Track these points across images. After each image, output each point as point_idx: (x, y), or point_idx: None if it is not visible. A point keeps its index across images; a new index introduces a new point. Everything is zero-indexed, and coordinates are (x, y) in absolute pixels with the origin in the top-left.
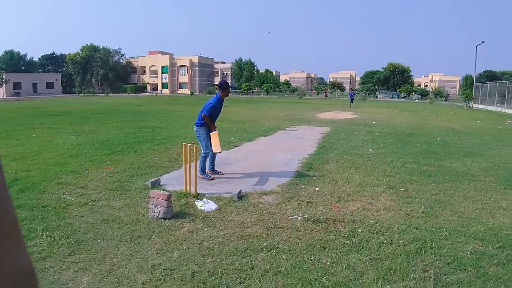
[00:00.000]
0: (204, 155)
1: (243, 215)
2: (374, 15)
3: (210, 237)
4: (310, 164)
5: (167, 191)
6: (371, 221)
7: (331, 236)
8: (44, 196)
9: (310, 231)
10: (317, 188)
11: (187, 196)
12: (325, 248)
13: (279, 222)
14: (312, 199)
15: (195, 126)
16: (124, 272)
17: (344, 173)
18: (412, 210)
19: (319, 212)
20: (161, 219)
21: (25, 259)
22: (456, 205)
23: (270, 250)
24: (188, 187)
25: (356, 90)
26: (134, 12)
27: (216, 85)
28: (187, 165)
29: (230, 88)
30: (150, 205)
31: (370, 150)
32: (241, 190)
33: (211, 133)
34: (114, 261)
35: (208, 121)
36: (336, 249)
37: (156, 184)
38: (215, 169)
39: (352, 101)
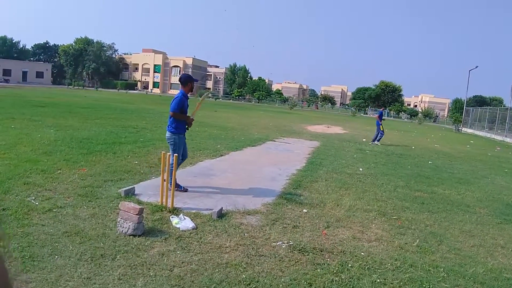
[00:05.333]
0: (172, 165)
1: (222, 237)
2: (369, 31)
3: (183, 262)
4: (298, 181)
5: (141, 202)
6: (362, 253)
7: (318, 270)
8: (7, 197)
9: (295, 262)
10: (304, 210)
11: (162, 210)
12: (311, 285)
13: (261, 248)
14: (299, 223)
15: (167, 132)
16: None
17: (333, 194)
18: (406, 243)
19: (306, 239)
20: (130, 235)
21: None
22: (453, 240)
23: (249, 284)
24: (164, 200)
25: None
26: (132, 8)
27: (208, 88)
28: (165, 176)
29: (194, 82)
30: (119, 219)
31: (361, 169)
32: (222, 208)
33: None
34: (69, 285)
35: (181, 116)
36: (324, 287)
37: (130, 194)
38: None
39: (380, 134)
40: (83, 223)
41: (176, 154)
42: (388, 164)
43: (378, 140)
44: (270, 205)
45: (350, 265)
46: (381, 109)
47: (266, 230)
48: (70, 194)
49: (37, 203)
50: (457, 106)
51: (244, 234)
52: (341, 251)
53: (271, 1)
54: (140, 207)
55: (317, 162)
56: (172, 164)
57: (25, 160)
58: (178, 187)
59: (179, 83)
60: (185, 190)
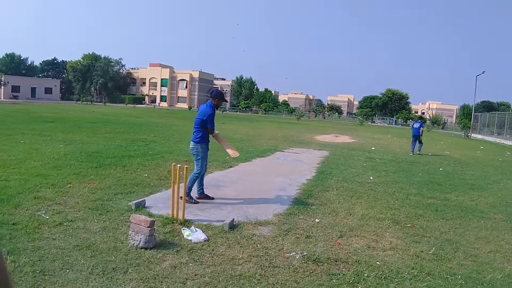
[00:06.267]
0: (195, 175)
1: (234, 249)
2: (375, 39)
3: (195, 275)
4: (309, 191)
5: (151, 215)
6: (378, 262)
7: (334, 281)
8: (18, 212)
9: (310, 272)
10: (317, 220)
11: (173, 222)
12: None
13: (275, 259)
14: (312, 233)
15: (191, 143)
16: None
17: (345, 203)
18: (422, 251)
19: (319, 249)
20: (141, 248)
21: None
22: (469, 246)
23: None
24: (175, 212)
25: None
26: (138, 24)
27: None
28: (176, 188)
29: (223, 102)
30: (130, 231)
31: (371, 178)
32: (233, 219)
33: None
34: None
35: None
36: None
37: (140, 206)
38: (206, 193)
39: (418, 142)
40: (94, 237)
41: (200, 165)
42: (399, 172)
43: (420, 150)
44: (281, 216)
45: (366, 275)
46: (420, 121)
47: (279, 241)
48: (80, 207)
49: (47, 217)
50: (465, 112)
51: (257, 245)
52: (356, 261)
53: (274, 13)
54: (151, 219)
55: (327, 172)
56: (196, 173)
57: (35, 174)
58: (189, 198)
59: (210, 97)
60: (196, 202)
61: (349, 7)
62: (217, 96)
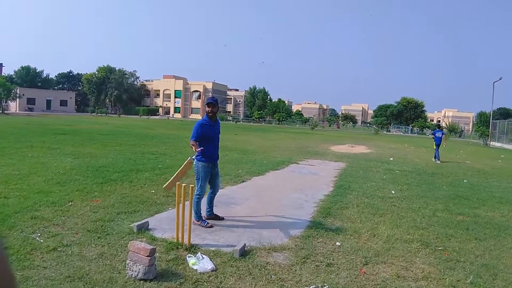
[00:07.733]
0: (196, 197)
1: (245, 280)
2: (388, 48)
3: None
4: (327, 209)
5: (154, 238)
6: None
7: None
8: (11, 234)
9: None
10: (337, 243)
11: (178, 248)
12: None
13: None
14: (333, 260)
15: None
16: None
17: (367, 222)
18: (458, 280)
19: (343, 280)
20: (140, 280)
21: None
22: (507, 272)
23: None
24: (180, 236)
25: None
26: (152, 36)
27: (228, 111)
28: (181, 209)
29: (214, 102)
30: (128, 261)
31: (393, 192)
32: (245, 244)
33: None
34: None
35: (195, 144)
36: None
37: (143, 229)
38: (215, 212)
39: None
40: (89, 265)
41: (199, 185)
42: (421, 185)
43: (438, 158)
44: (298, 239)
45: None
46: (440, 129)
47: (296, 270)
48: (79, 229)
49: (41, 241)
50: (482, 120)
51: (271, 276)
52: None
53: (289, 24)
54: (152, 247)
55: (346, 186)
56: (196, 195)
57: (37, 191)
58: (202, 222)
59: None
60: (210, 226)
61: (362, 16)
62: (205, 105)
